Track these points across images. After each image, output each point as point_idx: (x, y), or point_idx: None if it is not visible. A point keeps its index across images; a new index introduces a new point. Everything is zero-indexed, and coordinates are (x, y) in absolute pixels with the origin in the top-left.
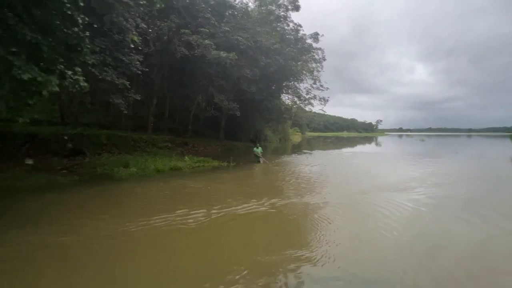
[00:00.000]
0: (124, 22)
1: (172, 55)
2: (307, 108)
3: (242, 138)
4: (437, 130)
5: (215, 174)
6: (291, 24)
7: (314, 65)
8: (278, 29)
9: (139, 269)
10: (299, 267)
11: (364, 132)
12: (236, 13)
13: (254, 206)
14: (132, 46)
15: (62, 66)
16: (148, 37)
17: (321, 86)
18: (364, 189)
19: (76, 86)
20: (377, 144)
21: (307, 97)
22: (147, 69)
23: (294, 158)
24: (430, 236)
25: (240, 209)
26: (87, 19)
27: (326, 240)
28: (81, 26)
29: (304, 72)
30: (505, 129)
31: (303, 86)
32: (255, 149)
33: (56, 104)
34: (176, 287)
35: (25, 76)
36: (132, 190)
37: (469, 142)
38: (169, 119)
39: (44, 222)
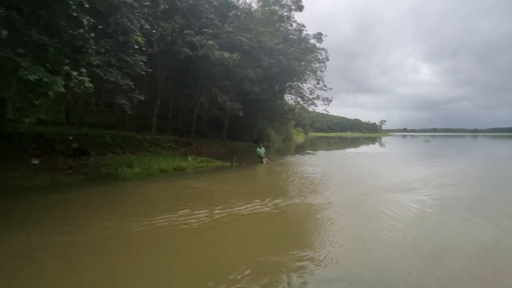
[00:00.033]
0: (129, 23)
1: (176, 55)
2: (310, 109)
3: (245, 139)
4: (442, 131)
5: (218, 174)
6: (294, 24)
7: (317, 65)
8: (281, 29)
9: (142, 269)
10: (302, 267)
11: (368, 133)
12: (239, 13)
13: (257, 207)
14: (136, 47)
15: (67, 67)
16: (152, 38)
17: (325, 86)
18: (368, 190)
19: (82, 87)
20: (381, 144)
21: (310, 97)
22: (151, 70)
23: (297, 159)
24: (435, 237)
25: (243, 209)
26: (92, 20)
27: (329, 241)
28: (86, 28)
29: (308, 72)
30: None
31: (307, 86)
32: (258, 149)
33: (61, 105)
34: (178, 287)
35: (32, 77)
36: (136, 190)
37: (475, 143)
38: (173, 119)
39: (48, 222)
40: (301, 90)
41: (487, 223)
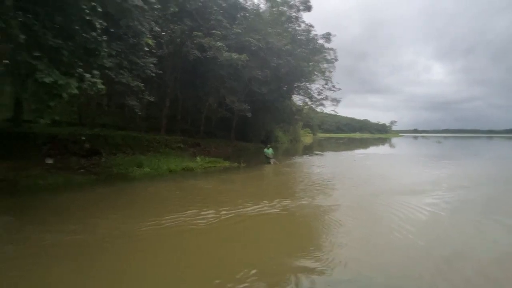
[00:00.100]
0: (139, 26)
1: (185, 57)
2: (318, 109)
3: (253, 139)
4: (455, 132)
5: (226, 174)
6: (302, 25)
7: (325, 65)
8: (289, 30)
9: (149, 268)
10: (310, 269)
11: (377, 133)
12: (247, 14)
13: (265, 208)
14: (146, 49)
15: (81, 70)
16: (161, 40)
17: (333, 86)
18: (377, 191)
19: (94, 88)
20: (391, 145)
21: (318, 98)
22: (161, 72)
23: (305, 160)
24: (447, 240)
25: (250, 210)
26: (104, 23)
27: (338, 243)
28: (99, 31)
29: (316, 72)
30: None
31: (315, 86)
32: (265, 150)
33: (74, 106)
34: (185, 286)
35: (47, 80)
36: (145, 190)
37: (489, 144)
38: (182, 120)
39: (60, 221)
40: (309, 90)
41: (501, 226)
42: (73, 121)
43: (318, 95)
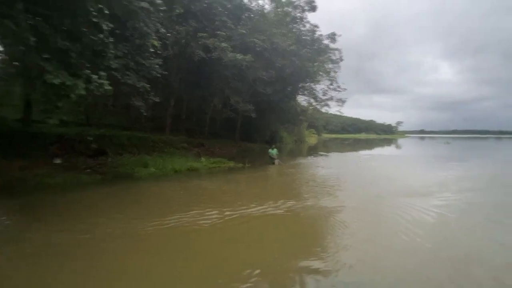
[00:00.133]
0: (145, 28)
1: (190, 58)
2: (323, 110)
3: (257, 140)
4: (464, 132)
5: (231, 175)
6: (307, 25)
7: (331, 65)
8: (294, 30)
9: (151, 268)
10: (315, 270)
11: (383, 134)
12: (252, 15)
13: (269, 208)
14: (152, 50)
15: (88, 71)
16: (167, 41)
17: (338, 87)
18: (383, 193)
19: (101, 89)
20: (397, 146)
21: (323, 98)
22: (166, 73)
23: (310, 160)
24: (455, 243)
25: (254, 211)
26: (111, 25)
27: (343, 245)
28: (106, 33)
29: (321, 73)
30: None
31: (320, 87)
32: (270, 150)
33: (81, 107)
34: (187, 286)
35: (56, 81)
36: (150, 189)
37: (499, 145)
38: (186, 120)
39: (65, 219)
40: (314, 91)
41: (510, 229)
42: (80, 121)
43: (323, 95)
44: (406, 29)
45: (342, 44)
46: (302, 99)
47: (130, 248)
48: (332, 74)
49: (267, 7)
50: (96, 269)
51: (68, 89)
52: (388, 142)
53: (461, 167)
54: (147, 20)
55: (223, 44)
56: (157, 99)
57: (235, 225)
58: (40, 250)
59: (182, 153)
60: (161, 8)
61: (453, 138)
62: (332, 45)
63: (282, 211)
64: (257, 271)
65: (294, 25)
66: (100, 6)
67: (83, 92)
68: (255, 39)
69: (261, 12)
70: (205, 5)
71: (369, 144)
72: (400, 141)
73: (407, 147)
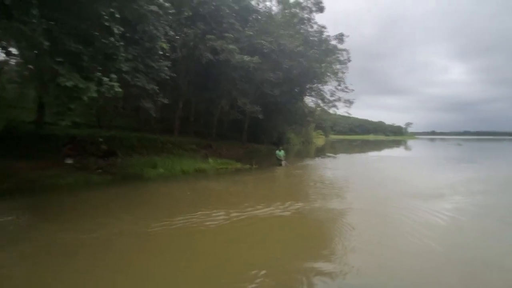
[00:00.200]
0: (154, 31)
1: (198, 60)
2: (331, 111)
3: (264, 141)
4: (475, 134)
5: (238, 176)
6: (315, 26)
7: (338, 66)
8: (301, 31)
9: (155, 268)
10: (322, 272)
11: (392, 135)
12: (259, 17)
13: (276, 210)
14: (161, 52)
15: (99, 74)
16: (175, 44)
17: (346, 88)
18: (392, 195)
19: (112, 92)
20: (406, 148)
21: (331, 99)
22: (175, 75)
23: (318, 162)
24: (468, 246)
25: (261, 212)
26: (122, 29)
27: (351, 247)
28: (116, 36)
29: (328, 74)
30: None
31: (327, 88)
32: (277, 152)
33: (93, 109)
34: (190, 286)
35: (69, 84)
36: (158, 190)
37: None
38: (194, 122)
39: (74, 219)
40: (322, 92)
41: None
42: (91, 123)
43: (331, 96)
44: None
45: (350, 45)
46: (309, 100)
47: (135, 248)
48: (340, 75)
49: (275, 8)
50: (99, 268)
51: (80, 92)
52: (397, 143)
53: (472, 169)
54: (156, 23)
55: (231, 46)
56: (166, 101)
57: (242, 226)
58: (44, 249)
59: (190, 155)
60: (170, 11)
61: (464, 139)
62: (340, 46)
63: (290, 212)
64: (263, 272)
65: (301, 26)
66: (111, 10)
67: (94, 95)
68: (262, 41)
69: (268, 14)
70: (213, 7)
71: (377, 146)
72: (410, 142)
73: (417, 148)
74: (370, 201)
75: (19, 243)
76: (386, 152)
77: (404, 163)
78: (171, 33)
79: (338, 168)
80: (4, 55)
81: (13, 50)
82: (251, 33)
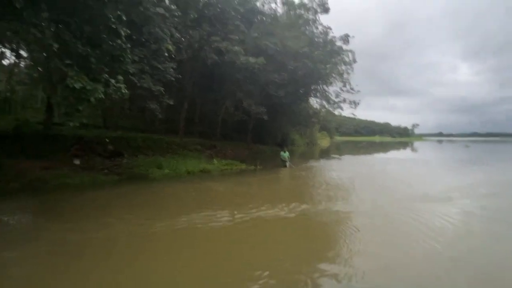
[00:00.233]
0: (161, 33)
1: (203, 61)
2: (336, 112)
3: (269, 142)
4: (484, 135)
5: (242, 177)
6: (320, 27)
7: (344, 67)
8: (306, 32)
9: (157, 268)
10: (327, 276)
11: (398, 137)
12: (264, 18)
13: (280, 211)
14: (166, 54)
15: (106, 75)
16: (181, 46)
17: (351, 89)
18: (399, 198)
19: (118, 93)
20: (413, 149)
21: (336, 100)
22: (180, 76)
23: (322, 163)
24: (481, 252)
25: (265, 213)
26: (128, 31)
27: (356, 251)
28: (123, 38)
29: (333, 75)
30: None
31: (332, 89)
32: (282, 153)
33: (99, 110)
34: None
35: (77, 85)
36: (163, 190)
37: None
38: (199, 123)
39: (78, 219)
40: (327, 93)
41: None
42: (98, 124)
43: (336, 97)
44: (423, 29)
45: (356, 46)
46: (314, 101)
47: (137, 249)
48: (345, 76)
49: (280, 10)
50: (102, 268)
51: (88, 93)
52: (404, 145)
53: (481, 172)
54: (162, 25)
55: (236, 48)
56: (171, 102)
57: (246, 227)
58: (46, 249)
59: (195, 155)
60: (176, 14)
61: (472, 141)
62: (345, 47)
63: (294, 214)
64: (266, 273)
65: (306, 27)
66: (118, 13)
67: (102, 96)
68: (267, 42)
69: (273, 15)
70: (218, 9)
71: (383, 147)
72: (417, 144)
73: (424, 150)
74: (376, 204)
75: (24, 243)
76: (392, 154)
77: (410, 165)
78: (177, 35)
79: (343, 169)
80: (14, 57)
81: (23, 53)
82: (256, 34)
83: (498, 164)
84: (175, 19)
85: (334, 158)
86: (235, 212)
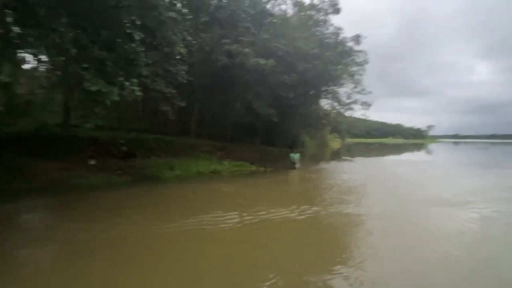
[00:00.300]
0: (173, 36)
1: (213, 64)
2: (347, 113)
3: (279, 144)
4: (503, 137)
5: (252, 178)
6: (330, 28)
7: (355, 68)
8: (317, 33)
9: (162, 268)
10: (335, 279)
11: (412, 139)
12: (275, 20)
13: (289, 213)
14: (178, 57)
15: (121, 78)
16: (192, 49)
17: (363, 90)
18: (412, 201)
19: (132, 95)
20: (427, 151)
21: (347, 101)
22: (192, 78)
23: (333, 165)
24: (502, 261)
25: (274, 215)
26: (142, 35)
27: (368, 254)
28: (137, 42)
29: (345, 76)
30: None
31: (343, 90)
32: (291, 155)
33: (114, 112)
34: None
35: (93, 88)
36: (174, 191)
37: None
38: (209, 124)
39: (89, 219)
40: (338, 94)
41: None
42: (112, 126)
43: (347, 99)
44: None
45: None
46: (324, 103)
47: (145, 249)
48: (356, 77)
49: (290, 11)
50: (109, 268)
51: (104, 96)
52: (418, 147)
53: (499, 175)
54: (174, 29)
55: (246, 50)
56: (183, 104)
57: (255, 229)
58: (60, 249)
59: (206, 157)
60: (188, 17)
61: (491, 143)
62: (356, 47)
63: (304, 216)
64: (273, 275)
65: (317, 28)
66: (133, 18)
67: (117, 98)
68: (277, 44)
69: (283, 17)
70: (229, 12)
71: (396, 149)
72: (431, 146)
73: (439, 152)
74: (388, 206)
75: (36, 242)
76: (406, 156)
77: (426, 168)
78: (189, 38)
79: (354, 172)
80: (35, 62)
81: (43, 57)
82: (267, 36)
83: None
84: (187, 22)
85: (345, 160)
86: (245, 214)
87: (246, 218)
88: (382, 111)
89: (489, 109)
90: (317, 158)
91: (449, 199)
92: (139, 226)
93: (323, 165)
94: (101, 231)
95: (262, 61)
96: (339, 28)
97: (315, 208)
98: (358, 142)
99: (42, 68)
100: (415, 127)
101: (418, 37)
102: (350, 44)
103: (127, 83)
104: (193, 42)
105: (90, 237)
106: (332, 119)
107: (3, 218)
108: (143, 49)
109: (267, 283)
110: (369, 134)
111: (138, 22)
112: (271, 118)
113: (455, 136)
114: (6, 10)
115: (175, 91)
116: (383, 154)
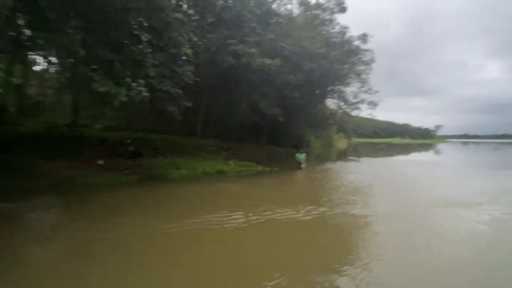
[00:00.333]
0: (179, 37)
1: (219, 64)
2: (354, 113)
3: (284, 144)
4: None
5: (258, 179)
6: (336, 27)
7: (361, 67)
8: (323, 33)
9: (164, 268)
10: (342, 280)
11: (420, 139)
12: (280, 20)
13: (295, 214)
14: (184, 58)
15: (129, 79)
16: (198, 49)
17: (370, 89)
18: (421, 202)
19: (139, 96)
20: (436, 152)
21: (354, 101)
22: (198, 79)
23: (339, 166)
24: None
25: (280, 215)
26: (149, 36)
27: (375, 255)
28: (145, 44)
29: (351, 75)
30: None
31: (350, 90)
32: (297, 155)
33: (121, 112)
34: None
35: (102, 89)
36: (179, 191)
37: None
38: (215, 125)
39: (95, 218)
40: (344, 94)
41: None
42: (120, 126)
43: (354, 98)
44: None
45: (376, 45)
46: (331, 102)
47: (147, 249)
48: (363, 76)
49: (296, 11)
50: (110, 269)
51: (112, 97)
52: (426, 147)
53: (510, 177)
54: (181, 30)
55: (252, 50)
56: (189, 104)
57: (260, 229)
58: (62, 249)
59: (212, 157)
60: (194, 18)
61: (502, 143)
62: (363, 46)
63: (311, 217)
64: (280, 275)
65: (323, 28)
66: (140, 19)
67: (124, 99)
68: (283, 44)
69: (289, 16)
70: (234, 12)
71: (404, 149)
72: (440, 146)
73: (447, 152)
74: (395, 207)
75: (38, 242)
76: (413, 157)
77: (434, 168)
78: (195, 39)
79: (361, 172)
80: (45, 63)
81: (53, 59)
82: (272, 36)
83: None
84: (193, 23)
85: (351, 160)
86: (250, 214)
87: (252, 218)
88: (389, 111)
89: (500, 108)
90: (323, 158)
91: (459, 200)
92: (143, 226)
93: (329, 165)
94: (100, 230)
95: (268, 61)
96: (345, 27)
97: (321, 209)
98: (364, 142)
99: (52, 69)
100: (423, 127)
101: (426, 35)
102: (356, 43)
103: (134, 84)
104: (199, 43)
105: (90, 236)
106: (338, 118)
107: (3, 218)
108: (150, 50)
109: (271, 283)
110: (376, 134)
111: (145, 24)
112: (277, 118)
113: (465, 136)
114: (18, 14)
115: (181, 91)
116: (390, 154)
